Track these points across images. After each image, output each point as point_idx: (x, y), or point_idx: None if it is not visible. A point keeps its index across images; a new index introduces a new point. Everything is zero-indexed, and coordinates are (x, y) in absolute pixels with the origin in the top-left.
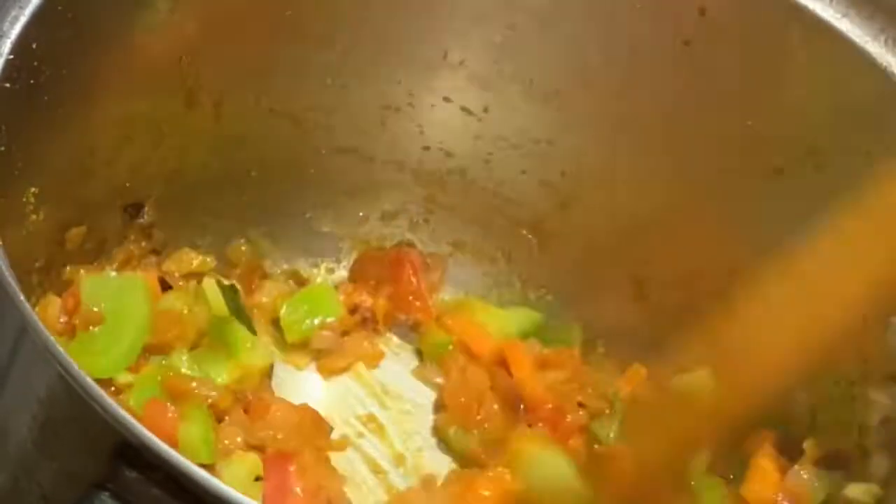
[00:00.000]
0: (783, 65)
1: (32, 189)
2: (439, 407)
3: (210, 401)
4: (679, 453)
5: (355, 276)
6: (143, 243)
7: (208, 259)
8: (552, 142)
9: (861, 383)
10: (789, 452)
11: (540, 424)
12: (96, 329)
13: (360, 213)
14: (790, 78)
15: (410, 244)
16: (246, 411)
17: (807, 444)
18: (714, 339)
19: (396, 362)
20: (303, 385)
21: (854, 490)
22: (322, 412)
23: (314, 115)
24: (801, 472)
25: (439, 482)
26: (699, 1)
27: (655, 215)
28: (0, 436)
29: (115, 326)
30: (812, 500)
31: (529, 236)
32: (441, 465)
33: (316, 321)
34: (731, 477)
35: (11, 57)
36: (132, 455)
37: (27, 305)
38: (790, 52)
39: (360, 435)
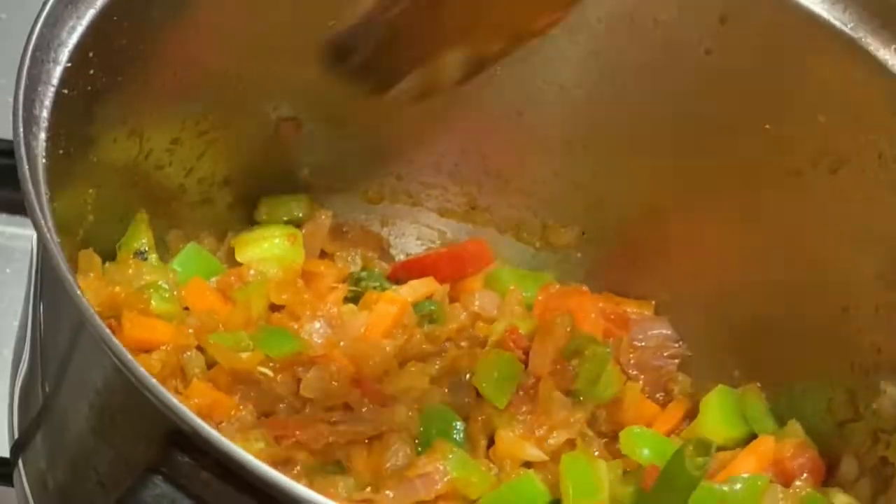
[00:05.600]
0: (801, 71)
1: (90, 191)
2: None
3: None
4: None
5: None
6: None
7: None
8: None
9: (874, 373)
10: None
11: None
12: None
13: None
14: (807, 83)
15: None
16: None
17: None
18: None
19: None
20: None
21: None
22: None
23: None
24: None
25: None
26: (720, 10)
27: (677, 216)
28: (60, 424)
29: None
30: None
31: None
32: None
33: None
34: None
35: (69, 65)
36: (184, 441)
37: (85, 301)
38: (808, 59)
39: None
